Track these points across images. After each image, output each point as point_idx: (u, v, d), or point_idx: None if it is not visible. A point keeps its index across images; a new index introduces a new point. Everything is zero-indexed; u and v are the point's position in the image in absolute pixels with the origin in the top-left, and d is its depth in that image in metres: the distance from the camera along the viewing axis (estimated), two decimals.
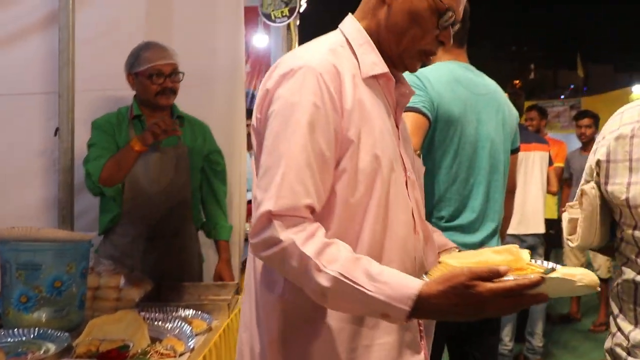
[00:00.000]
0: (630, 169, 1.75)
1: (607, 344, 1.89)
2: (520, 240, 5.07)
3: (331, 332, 1.57)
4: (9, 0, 3.30)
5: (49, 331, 2.29)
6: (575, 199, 1.89)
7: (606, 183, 1.79)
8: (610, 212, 1.83)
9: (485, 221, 2.67)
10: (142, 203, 3.13)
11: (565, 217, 1.92)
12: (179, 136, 3.17)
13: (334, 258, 1.43)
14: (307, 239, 1.44)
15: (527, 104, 6.65)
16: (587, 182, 1.86)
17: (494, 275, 1.34)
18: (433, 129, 2.53)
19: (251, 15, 5.42)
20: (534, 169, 5.40)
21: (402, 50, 1.70)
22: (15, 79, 3.34)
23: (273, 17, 5.23)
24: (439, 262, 1.65)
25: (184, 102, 3.30)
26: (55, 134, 3.27)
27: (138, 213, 3.13)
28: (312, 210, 1.48)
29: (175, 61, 3.15)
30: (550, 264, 1.47)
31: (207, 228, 3.43)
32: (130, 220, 3.14)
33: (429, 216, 2.54)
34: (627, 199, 1.74)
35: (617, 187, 1.77)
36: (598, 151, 1.83)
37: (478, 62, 2.88)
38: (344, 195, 1.55)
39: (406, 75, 2.52)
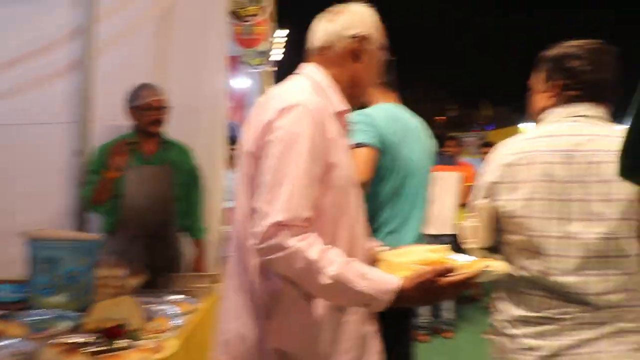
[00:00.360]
0: (511, 189, 1.79)
1: (492, 318, 1.93)
2: (439, 239, 5.10)
3: (320, 314, 1.56)
4: (42, 49, 3.29)
5: (65, 311, 2.25)
6: (473, 210, 1.91)
7: (495, 199, 1.83)
8: (497, 221, 1.86)
9: (411, 225, 2.67)
10: (136, 212, 3.10)
11: (465, 224, 1.94)
12: (165, 156, 3.20)
13: (331, 261, 1.42)
14: (310, 246, 1.42)
15: (449, 134, 6.75)
16: (483, 198, 1.88)
17: (449, 271, 1.46)
18: (379, 157, 2.54)
19: (235, 63, 5.44)
20: (450, 185, 5.46)
21: (368, 91, 1.83)
22: (47, 111, 3.32)
23: (251, 65, 5.25)
24: (381, 260, 1.72)
25: (177, 129, 3.31)
26: (75, 156, 3.26)
27: (132, 220, 3.11)
28: (309, 220, 1.46)
29: (164, 98, 3.15)
30: (463, 256, 1.61)
31: (187, 229, 3.39)
32: (126, 225, 3.10)
33: (372, 222, 2.54)
34: (508, 212, 1.79)
35: (502, 202, 1.81)
36: (489, 174, 1.87)
37: (414, 101, 2.89)
38: (330, 206, 1.55)
39: (357, 114, 2.53)
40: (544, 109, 1.90)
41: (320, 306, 1.57)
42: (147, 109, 3.11)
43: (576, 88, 1.82)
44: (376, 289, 1.44)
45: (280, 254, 1.41)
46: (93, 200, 3.01)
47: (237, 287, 1.63)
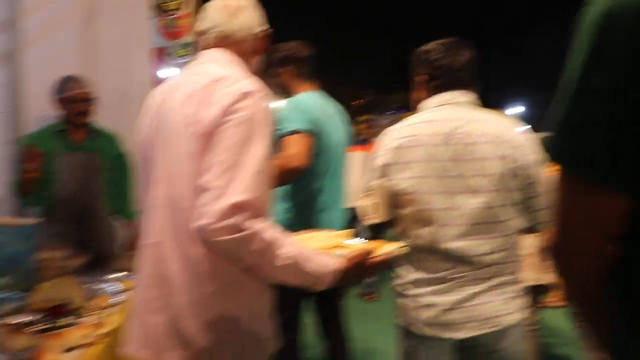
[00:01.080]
0: (401, 169, 1.93)
1: (393, 283, 2.06)
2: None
3: (253, 283, 1.53)
4: None
5: (10, 293, 2.23)
6: (370, 190, 2.01)
7: (390, 179, 1.96)
8: (392, 198, 1.98)
9: (338, 201, 2.78)
10: (67, 197, 3.13)
11: (363, 202, 2.02)
12: (93, 144, 3.21)
13: (285, 243, 1.40)
14: (268, 228, 1.38)
15: (364, 117, 6.94)
16: (377, 178, 1.99)
17: (371, 254, 1.56)
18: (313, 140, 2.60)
19: (162, 54, 5.38)
20: (358, 164, 5.51)
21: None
22: None
23: (176, 56, 5.22)
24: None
25: (107, 117, 3.33)
26: (8, 145, 3.21)
27: (64, 204, 3.13)
28: (263, 203, 1.41)
29: (90, 89, 3.16)
30: (359, 240, 1.70)
31: (119, 212, 3.41)
32: (59, 210, 3.12)
33: (306, 200, 2.68)
34: (401, 189, 1.93)
35: (395, 181, 1.95)
36: (381, 158, 1.99)
37: (334, 87, 2.99)
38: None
39: (287, 102, 2.63)
40: (419, 100, 2.06)
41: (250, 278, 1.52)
42: (73, 101, 3.12)
43: (437, 77, 1.99)
44: (321, 271, 1.45)
45: (238, 234, 1.33)
46: (21, 191, 3.01)
47: (161, 275, 1.50)
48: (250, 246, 1.35)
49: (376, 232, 2.28)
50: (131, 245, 3.30)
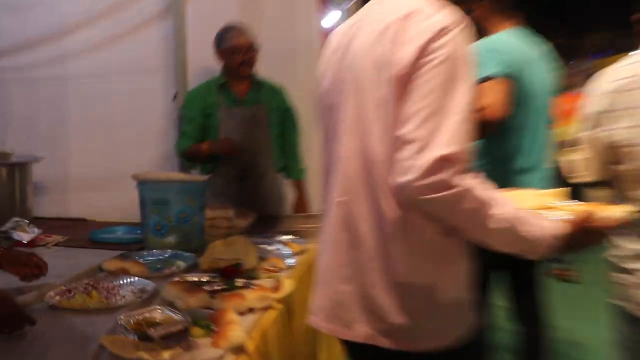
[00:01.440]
0: (619, 117, 1.78)
1: (606, 254, 1.92)
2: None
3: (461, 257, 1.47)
4: None
5: (179, 252, 2.35)
6: (580, 143, 1.91)
7: (603, 129, 1.82)
8: (607, 152, 1.85)
9: (540, 162, 2.61)
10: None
11: (574, 158, 1.92)
12: (257, 97, 3.22)
13: (497, 203, 1.31)
14: (479, 185, 1.30)
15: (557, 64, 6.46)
16: (590, 129, 1.87)
17: (593, 216, 1.36)
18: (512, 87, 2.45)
19: (324, 1, 5.42)
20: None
21: None
22: (143, 58, 3.47)
23: (338, 2, 5.24)
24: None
25: (272, 70, 3.35)
26: (174, 100, 3.36)
27: (227, 162, 3.18)
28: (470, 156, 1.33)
29: (252, 39, 3.15)
30: (571, 202, 1.52)
31: (286, 170, 3.42)
32: (222, 168, 3.19)
33: (508, 162, 2.53)
34: (618, 141, 1.79)
35: (611, 132, 1.80)
36: (593, 105, 1.86)
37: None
38: None
39: (484, 42, 2.47)
40: None
41: (454, 244, 1.45)
42: (235, 52, 3.13)
43: None
44: (540, 236, 1.33)
45: (448, 192, 1.26)
46: (185, 156, 3.17)
47: (351, 238, 1.47)
48: (461, 205, 1.28)
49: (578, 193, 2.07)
50: (298, 207, 3.34)
